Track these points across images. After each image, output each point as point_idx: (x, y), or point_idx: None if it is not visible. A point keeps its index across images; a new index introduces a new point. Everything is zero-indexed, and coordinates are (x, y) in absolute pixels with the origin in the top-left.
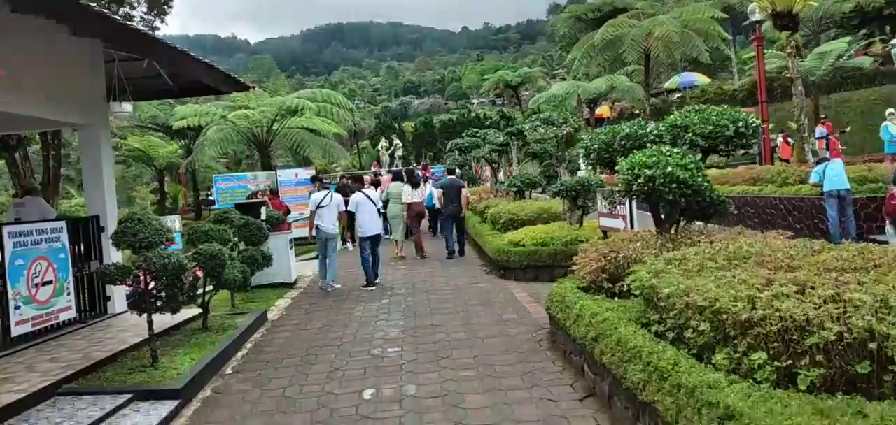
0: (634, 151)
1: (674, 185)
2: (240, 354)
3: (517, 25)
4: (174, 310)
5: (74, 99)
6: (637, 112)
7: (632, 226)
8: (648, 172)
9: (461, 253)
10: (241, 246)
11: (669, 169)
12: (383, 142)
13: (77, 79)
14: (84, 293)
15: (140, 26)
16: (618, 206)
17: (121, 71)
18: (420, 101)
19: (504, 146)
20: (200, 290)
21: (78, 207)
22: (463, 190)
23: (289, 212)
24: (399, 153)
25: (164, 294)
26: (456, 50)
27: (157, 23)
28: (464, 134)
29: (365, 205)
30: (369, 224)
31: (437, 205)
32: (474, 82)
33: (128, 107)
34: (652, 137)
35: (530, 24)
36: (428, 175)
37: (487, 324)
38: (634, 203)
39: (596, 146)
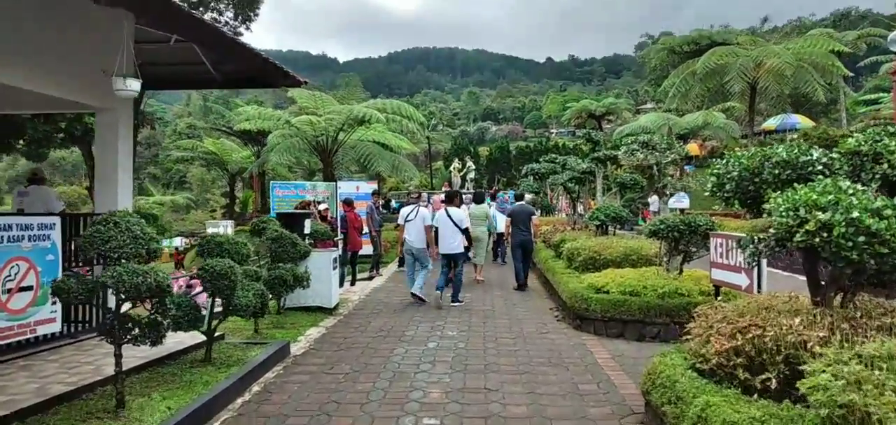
0: (794, 186)
1: (861, 239)
2: (240, 400)
3: (603, 59)
4: (155, 342)
5: (88, 77)
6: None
7: (759, 287)
8: (823, 217)
9: (524, 286)
10: (269, 263)
11: (855, 214)
12: (456, 164)
13: (95, 54)
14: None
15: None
16: (742, 259)
17: (147, 53)
18: (498, 127)
19: (586, 174)
20: (205, 313)
21: (155, 205)
22: (534, 217)
23: (334, 227)
24: (471, 175)
25: (142, 319)
26: (539, 80)
27: (242, 29)
28: (541, 159)
29: (443, 221)
30: (447, 241)
31: (503, 232)
32: (555, 112)
33: (135, 85)
34: (820, 167)
35: (616, 59)
36: (494, 194)
37: (558, 396)
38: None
39: (735, 174)
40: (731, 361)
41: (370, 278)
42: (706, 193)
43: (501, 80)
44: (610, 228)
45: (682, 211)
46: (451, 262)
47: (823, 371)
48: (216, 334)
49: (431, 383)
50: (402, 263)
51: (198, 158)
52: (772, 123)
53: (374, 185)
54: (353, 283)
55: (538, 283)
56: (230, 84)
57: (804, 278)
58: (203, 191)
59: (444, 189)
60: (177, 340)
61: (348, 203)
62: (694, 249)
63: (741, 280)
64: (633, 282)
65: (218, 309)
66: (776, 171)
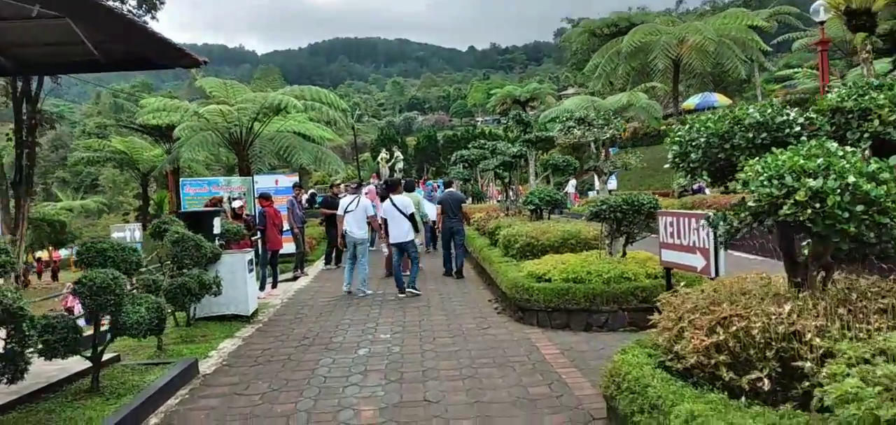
0: (772, 151)
1: (859, 208)
2: None
3: (524, 47)
4: (12, 379)
5: None
6: (651, 133)
7: (717, 269)
8: (813, 185)
9: (459, 274)
10: (172, 269)
11: (851, 180)
12: (383, 154)
13: None
14: None
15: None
16: (697, 238)
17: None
18: (424, 117)
19: (517, 158)
20: (89, 334)
21: (63, 211)
22: (464, 204)
23: (250, 224)
24: (399, 166)
25: None
26: (462, 68)
27: (147, 18)
28: (470, 145)
29: (389, 211)
30: (395, 231)
31: (435, 220)
32: (480, 100)
33: None
34: (798, 127)
35: (537, 47)
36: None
37: (507, 404)
38: (715, 233)
39: (702, 140)
40: (712, 359)
41: (294, 278)
42: (666, 166)
43: (425, 69)
44: (544, 213)
45: (610, 191)
46: (403, 252)
47: (847, 373)
48: (105, 357)
49: (363, 398)
50: (328, 261)
51: (107, 159)
52: (691, 102)
53: (294, 178)
54: (274, 286)
55: (474, 273)
56: (116, 66)
57: (756, 257)
58: (116, 194)
59: (372, 180)
60: (59, 367)
61: (266, 197)
62: (637, 230)
63: (696, 261)
64: (575, 267)
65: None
66: (750, 135)
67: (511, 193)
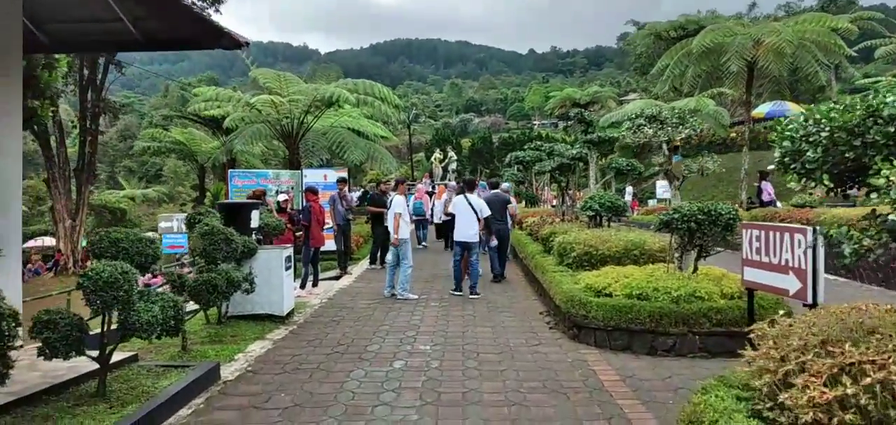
0: None
1: None
2: None
3: (585, 51)
4: None
5: None
6: (716, 141)
7: (815, 293)
8: None
9: (501, 276)
10: (202, 264)
11: None
12: (437, 154)
13: None
14: None
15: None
16: (791, 257)
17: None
18: (481, 118)
19: (576, 160)
20: (97, 332)
21: (125, 199)
22: (510, 205)
23: (294, 219)
24: (453, 166)
25: None
26: (521, 71)
27: (211, 11)
28: (525, 146)
29: (462, 207)
30: (463, 228)
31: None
32: (537, 103)
33: None
34: None
35: (599, 51)
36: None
37: None
38: (820, 252)
39: (824, 135)
40: (836, 418)
41: (337, 278)
42: (770, 167)
43: (484, 71)
44: (604, 220)
45: (668, 201)
46: (466, 250)
47: None
48: (120, 356)
49: (394, 423)
50: (374, 260)
51: (169, 150)
52: (762, 110)
53: (342, 173)
54: (315, 284)
55: (524, 281)
56: (155, 45)
57: (840, 278)
58: (177, 184)
59: (424, 179)
60: (69, 366)
61: (312, 192)
62: (712, 244)
63: (788, 283)
64: (640, 282)
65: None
66: (890, 130)
67: (568, 198)
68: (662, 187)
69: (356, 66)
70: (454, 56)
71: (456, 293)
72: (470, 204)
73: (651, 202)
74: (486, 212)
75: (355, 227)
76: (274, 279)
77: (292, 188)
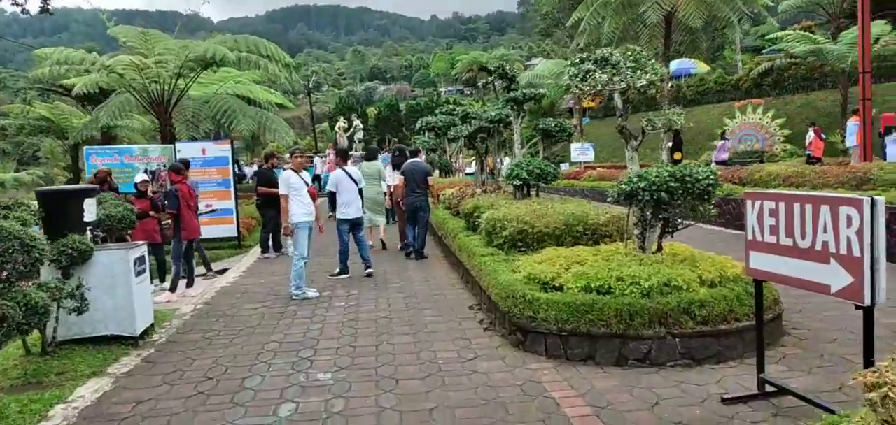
0: None
1: None
2: None
3: (487, 16)
4: None
5: None
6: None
7: (873, 289)
8: None
9: (421, 254)
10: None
11: None
12: (341, 123)
13: None
14: None
15: None
16: (833, 239)
17: None
18: (386, 86)
19: (495, 123)
20: None
21: None
22: (429, 176)
23: (158, 207)
24: (359, 135)
25: None
26: (425, 38)
27: None
28: (437, 111)
29: (345, 183)
30: (350, 204)
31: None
32: (443, 70)
33: None
34: None
35: (500, 16)
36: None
37: None
38: (880, 232)
39: None
40: None
41: (221, 272)
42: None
43: (386, 38)
44: (531, 189)
45: (585, 165)
46: (353, 229)
47: None
48: None
49: None
50: (265, 248)
51: (35, 128)
52: (669, 69)
53: (226, 145)
54: (189, 284)
55: (446, 264)
56: None
57: None
58: (54, 166)
59: (328, 150)
60: None
61: (177, 171)
62: (681, 218)
63: (831, 276)
64: (598, 271)
65: None
66: None
67: (495, 166)
68: (578, 149)
69: (252, 34)
70: (355, 23)
71: (342, 276)
72: (350, 176)
73: (564, 166)
74: (362, 182)
75: (248, 207)
76: (119, 289)
77: (164, 166)
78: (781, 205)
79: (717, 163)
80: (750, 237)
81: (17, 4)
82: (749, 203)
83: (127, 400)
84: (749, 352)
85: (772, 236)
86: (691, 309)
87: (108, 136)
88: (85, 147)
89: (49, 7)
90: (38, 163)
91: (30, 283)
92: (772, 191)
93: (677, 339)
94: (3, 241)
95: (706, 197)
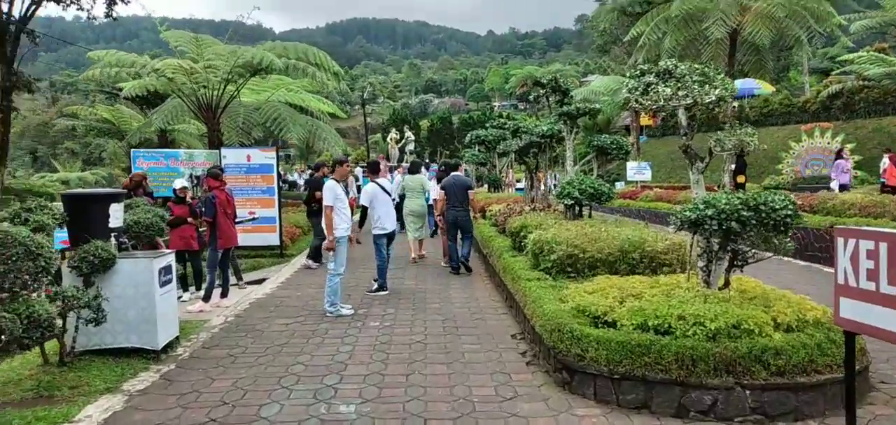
0: None
1: None
2: None
3: (543, 33)
4: None
5: None
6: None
7: None
8: None
9: (466, 268)
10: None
11: None
12: (393, 134)
13: None
14: None
15: None
16: None
17: None
18: (441, 99)
19: (547, 138)
20: None
21: (57, 183)
22: (470, 191)
23: (196, 214)
24: (410, 147)
25: None
26: (480, 52)
27: None
28: (487, 125)
29: (380, 196)
30: (386, 218)
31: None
32: (498, 85)
33: None
34: None
35: (557, 32)
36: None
37: None
38: None
39: None
40: None
41: (259, 281)
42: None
43: (442, 52)
44: (584, 209)
45: (642, 184)
46: (389, 241)
47: None
48: None
49: None
50: (312, 257)
51: (98, 130)
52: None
53: (270, 153)
54: (224, 294)
55: (490, 284)
56: None
57: None
58: (116, 166)
59: (379, 159)
60: None
61: (215, 176)
62: (752, 251)
63: None
64: (657, 307)
65: None
66: None
67: (545, 183)
68: (634, 168)
69: (312, 46)
70: (412, 36)
71: (380, 292)
72: (384, 189)
73: (619, 185)
74: (396, 193)
75: (295, 215)
76: (142, 300)
77: (206, 170)
78: (883, 246)
79: (841, 187)
80: (841, 281)
81: (82, 9)
82: (841, 240)
83: (135, 422)
84: (832, 410)
85: (869, 282)
86: (765, 356)
87: (165, 139)
88: (132, 150)
89: (113, 13)
90: (102, 163)
91: (42, 292)
92: (869, 228)
93: (747, 391)
94: (8, 248)
95: (783, 229)
